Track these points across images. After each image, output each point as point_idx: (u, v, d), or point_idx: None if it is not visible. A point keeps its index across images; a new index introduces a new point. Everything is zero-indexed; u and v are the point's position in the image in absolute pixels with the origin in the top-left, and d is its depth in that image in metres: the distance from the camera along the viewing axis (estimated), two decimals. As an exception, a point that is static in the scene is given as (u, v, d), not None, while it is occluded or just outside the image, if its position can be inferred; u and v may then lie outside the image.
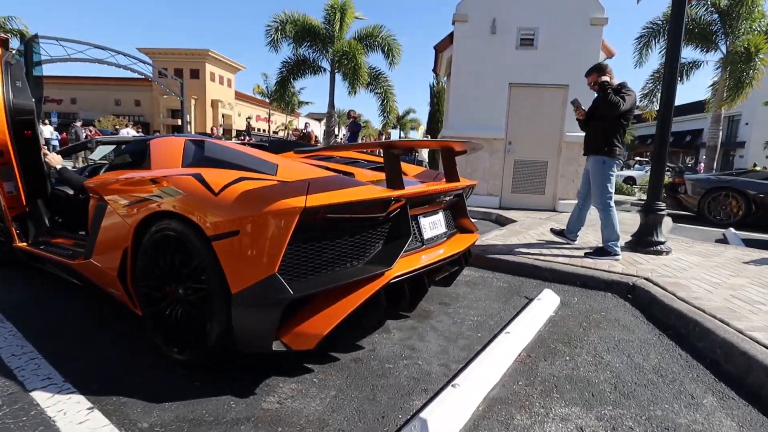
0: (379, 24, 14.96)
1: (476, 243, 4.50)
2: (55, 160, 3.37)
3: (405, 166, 2.51)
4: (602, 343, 2.51)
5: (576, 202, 4.50)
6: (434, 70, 9.62)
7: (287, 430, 1.63)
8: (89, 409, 1.71)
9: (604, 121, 3.96)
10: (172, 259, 1.99)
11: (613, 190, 4.00)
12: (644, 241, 4.36)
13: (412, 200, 2.14)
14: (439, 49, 8.11)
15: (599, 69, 4.01)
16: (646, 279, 3.38)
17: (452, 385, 1.83)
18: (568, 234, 4.61)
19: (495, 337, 2.43)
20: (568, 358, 2.31)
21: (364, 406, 1.80)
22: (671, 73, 4.26)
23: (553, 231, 4.74)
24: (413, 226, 2.23)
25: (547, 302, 3.01)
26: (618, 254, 3.99)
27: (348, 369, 2.09)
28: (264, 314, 1.74)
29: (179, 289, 2.01)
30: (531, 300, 3.11)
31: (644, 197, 4.79)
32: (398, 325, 2.63)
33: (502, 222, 6.62)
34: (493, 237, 4.91)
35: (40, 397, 1.78)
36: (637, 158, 25.49)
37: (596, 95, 4.06)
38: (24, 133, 3.14)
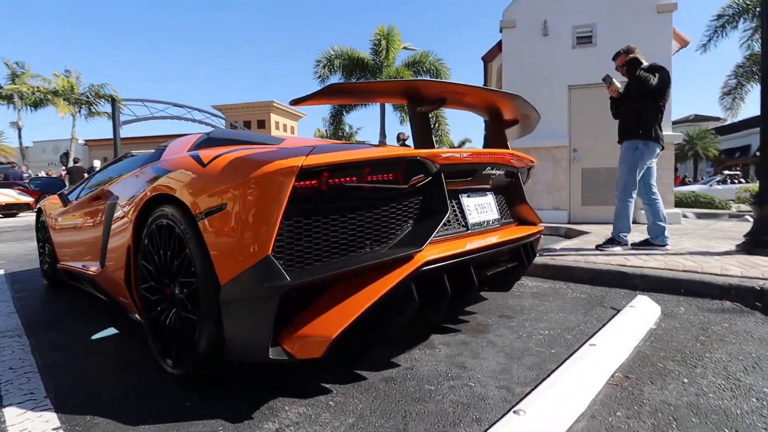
0: (427, 50, 15.02)
1: (544, 251, 3.87)
2: None
3: None
4: (734, 361, 1.80)
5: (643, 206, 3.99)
6: (484, 85, 9.22)
7: (280, 467, 1.18)
8: (54, 429, 1.39)
9: (637, 102, 3.65)
10: (165, 252, 1.69)
11: (637, 181, 3.75)
12: (763, 241, 3.46)
13: (448, 170, 1.68)
14: (488, 59, 7.73)
15: (627, 50, 3.81)
16: (780, 282, 2.56)
17: (515, 412, 1.28)
18: (654, 240, 3.86)
19: (576, 351, 1.83)
20: (686, 380, 1.64)
21: (391, 438, 1.30)
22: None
23: (634, 246, 4.01)
24: (453, 205, 1.76)
25: (643, 312, 2.32)
26: (627, 243, 3.90)
27: (375, 390, 1.61)
28: (257, 310, 1.34)
29: (174, 288, 1.69)
30: (619, 311, 2.43)
31: (743, 208, 3.97)
32: (446, 339, 2.10)
33: (572, 235, 5.82)
34: (564, 246, 4.21)
35: (10, 413, 1.50)
36: (726, 172, 22.67)
37: (627, 81, 3.79)
38: None
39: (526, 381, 1.65)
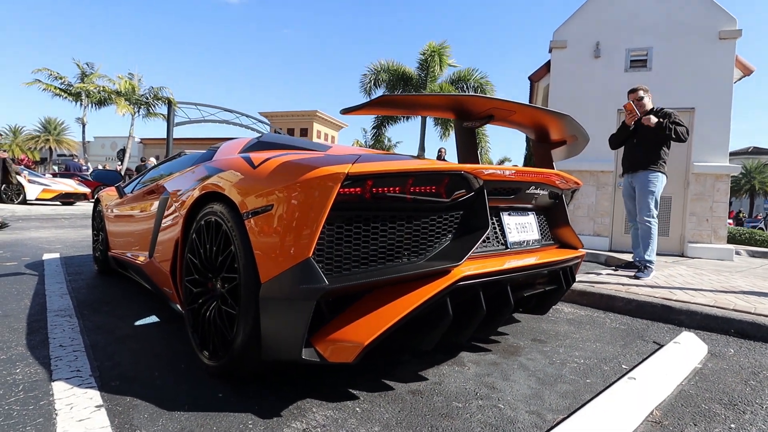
0: (472, 68, 15.05)
1: (582, 278, 3.74)
2: None
3: None
4: (789, 411, 1.67)
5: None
6: (530, 106, 9.09)
7: (306, 467, 1.19)
8: (98, 407, 1.47)
9: (657, 137, 3.98)
10: (211, 248, 1.76)
11: (657, 207, 4.05)
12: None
13: (492, 186, 1.67)
14: (534, 78, 7.63)
15: (642, 89, 4.18)
16: None
17: (546, 438, 1.24)
18: (638, 262, 4.02)
19: (614, 383, 1.75)
20: (733, 425, 1.54)
21: (416, 451, 1.29)
22: None
23: (618, 267, 4.27)
24: (494, 222, 1.75)
25: (688, 349, 2.19)
26: (653, 271, 3.99)
27: (402, 401, 1.60)
28: (294, 310, 1.38)
29: (217, 282, 1.76)
30: (662, 346, 2.31)
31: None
32: (475, 358, 2.07)
33: (612, 264, 5.59)
34: (605, 276, 4.05)
35: (58, 387, 1.61)
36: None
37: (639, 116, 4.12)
38: None
39: (559, 409, 1.59)
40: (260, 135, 2.38)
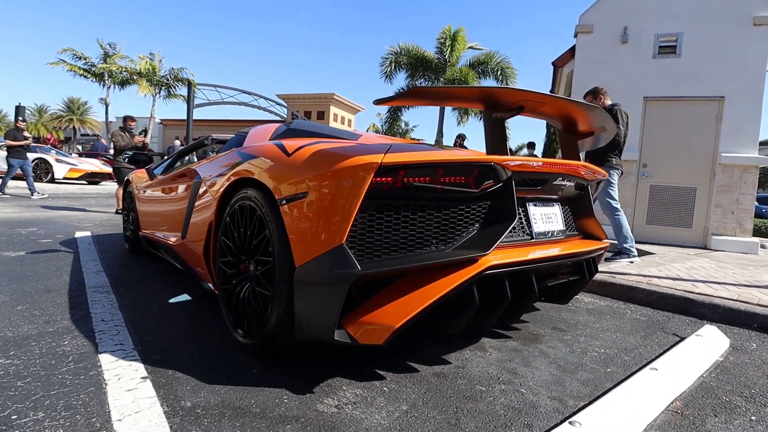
0: (493, 51, 14.74)
1: (603, 268, 3.74)
2: None
3: None
4: (811, 406, 1.68)
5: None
6: (551, 91, 8.90)
7: (340, 440, 1.27)
8: (143, 378, 1.58)
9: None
10: (245, 231, 1.84)
11: (617, 198, 4.32)
12: None
13: (519, 177, 1.69)
14: (558, 64, 7.46)
15: (594, 92, 4.44)
16: None
17: (570, 423, 1.29)
18: (624, 249, 4.24)
19: (635, 372, 1.79)
20: (754, 418, 1.56)
21: (442, 430, 1.36)
22: None
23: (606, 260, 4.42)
24: (520, 213, 1.78)
25: (710, 342, 2.20)
26: (635, 255, 4.21)
27: (427, 383, 1.67)
28: (327, 293, 1.45)
29: (250, 264, 1.84)
30: (683, 338, 2.33)
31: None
32: (496, 344, 2.12)
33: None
34: (624, 265, 4.04)
35: (105, 359, 1.72)
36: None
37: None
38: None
39: (580, 396, 1.64)
40: (290, 122, 2.42)
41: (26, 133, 8.61)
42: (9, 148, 8.37)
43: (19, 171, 8.53)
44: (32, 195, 8.40)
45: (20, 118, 8.91)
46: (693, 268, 4.11)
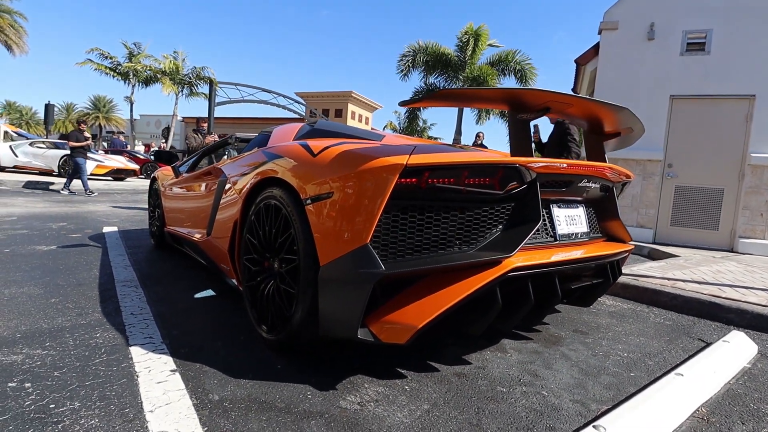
0: (514, 49, 14.56)
1: (626, 271, 3.67)
2: None
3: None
4: None
5: None
6: (573, 89, 8.74)
7: (363, 437, 1.30)
8: (172, 371, 1.63)
9: (560, 147, 4.73)
10: (270, 230, 1.87)
11: None
12: None
13: (544, 179, 1.69)
14: (581, 62, 7.33)
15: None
16: None
17: (594, 426, 1.29)
18: None
19: (660, 377, 1.76)
20: (784, 427, 1.53)
21: (464, 430, 1.37)
22: None
23: None
24: (544, 214, 1.77)
25: (737, 348, 2.15)
26: None
27: (448, 383, 1.68)
28: (351, 292, 1.47)
29: (274, 262, 1.88)
30: (710, 344, 2.28)
31: None
32: (517, 345, 2.11)
33: (657, 257, 5.42)
34: (648, 269, 3.96)
35: (136, 352, 1.78)
36: None
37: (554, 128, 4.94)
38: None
39: (603, 399, 1.63)
40: (313, 122, 2.46)
41: (87, 134, 9.36)
42: (72, 149, 8.98)
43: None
44: (86, 192, 9.04)
45: (83, 122, 9.72)
46: (719, 272, 4.01)
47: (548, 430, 1.40)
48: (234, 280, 2.32)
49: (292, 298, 1.69)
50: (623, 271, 3.60)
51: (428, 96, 1.57)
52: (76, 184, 9.27)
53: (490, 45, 13.83)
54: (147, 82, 23.83)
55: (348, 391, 1.56)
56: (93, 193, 9.13)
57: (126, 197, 9.35)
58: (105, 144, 31.01)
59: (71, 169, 9.07)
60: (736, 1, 6.05)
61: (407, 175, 1.43)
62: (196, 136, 6.84)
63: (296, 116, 23.21)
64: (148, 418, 1.31)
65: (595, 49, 6.97)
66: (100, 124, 40.11)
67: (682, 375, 1.71)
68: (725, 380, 1.86)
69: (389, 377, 1.69)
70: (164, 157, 3.97)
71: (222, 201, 2.45)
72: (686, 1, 6.31)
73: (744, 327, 2.67)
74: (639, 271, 3.74)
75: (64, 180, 9.18)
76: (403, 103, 1.58)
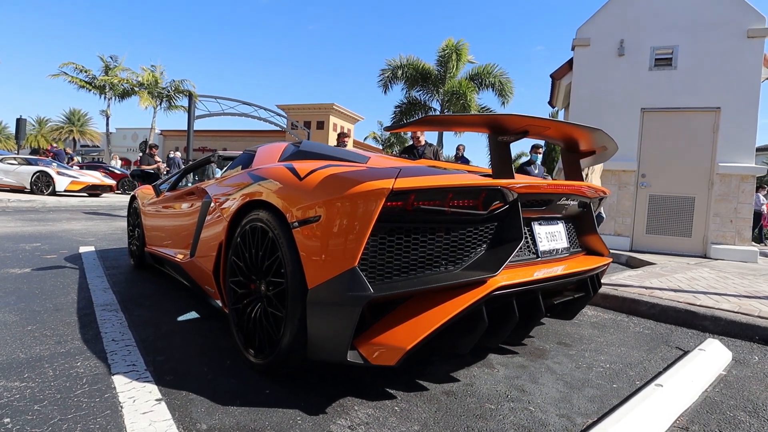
0: (491, 63, 14.97)
1: (605, 280, 3.77)
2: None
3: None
4: (815, 421, 1.71)
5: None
6: (550, 103, 9.01)
7: (355, 462, 1.30)
8: (158, 400, 1.60)
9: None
10: (257, 252, 1.87)
11: None
12: None
13: (525, 198, 1.74)
14: (557, 76, 7.58)
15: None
16: None
17: (579, 442, 1.32)
18: None
19: (641, 389, 1.81)
20: (758, 434, 1.59)
21: (454, 450, 1.38)
22: None
23: None
24: (526, 232, 1.82)
25: (713, 356, 2.24)
26: None
27: (438, 402, 1.69)
28: (340, 315, 1.48)
29: (261, 285, 1.87)
30: (687, 352, 2.36)
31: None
32: (503, 360, 2.15)
33: (634, 265, 5.59)
34: (626, 277, 4.08)
35: (119, 381, 1.74)
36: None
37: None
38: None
39: (588, 413, 1.67)
40: (298, 142, 2.47)
41: (157, 158, 9.60)
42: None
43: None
44: None
45: (154, 145, 9.89)
46: (694, 279, 4.15)
47: (536, 446, 1.42)
48: (219, 302, 2.30)
49: (279, 322, 1.69)
50: (603, 281, 3.71)
51: (414, 122, 1.62)
52: (21, 200, 9.09)
53: (468, 62, 14.19)
54: (124, 95, 23.44)
55: (338, 415, 1.56)
56: None
57: (102, 215, 9.12)
58: (79, 159, 30.23)
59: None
60: (699, 18, 6.38)
61: (393, 198, 1.46)
62: (150, 160, 7.75)
63: (277, 128, 23.13)
64: (135, 452, 1.29)
65: (570, 64, 7.22)
66: (74, 138, 39.15)
67: (662, 386, 1.76)
68: (702, 388, 1.93)
69: (379, 398, 1.70)
70: (143, 177, 3.91)
71: (206, 222, 2.43)
72: (654, 19, 6.62)
73: (718, 334, 2.78)
74: (618, 281, 3.84)
75: (36, 197, 8.89)
76: (388, 129, 1.61)
